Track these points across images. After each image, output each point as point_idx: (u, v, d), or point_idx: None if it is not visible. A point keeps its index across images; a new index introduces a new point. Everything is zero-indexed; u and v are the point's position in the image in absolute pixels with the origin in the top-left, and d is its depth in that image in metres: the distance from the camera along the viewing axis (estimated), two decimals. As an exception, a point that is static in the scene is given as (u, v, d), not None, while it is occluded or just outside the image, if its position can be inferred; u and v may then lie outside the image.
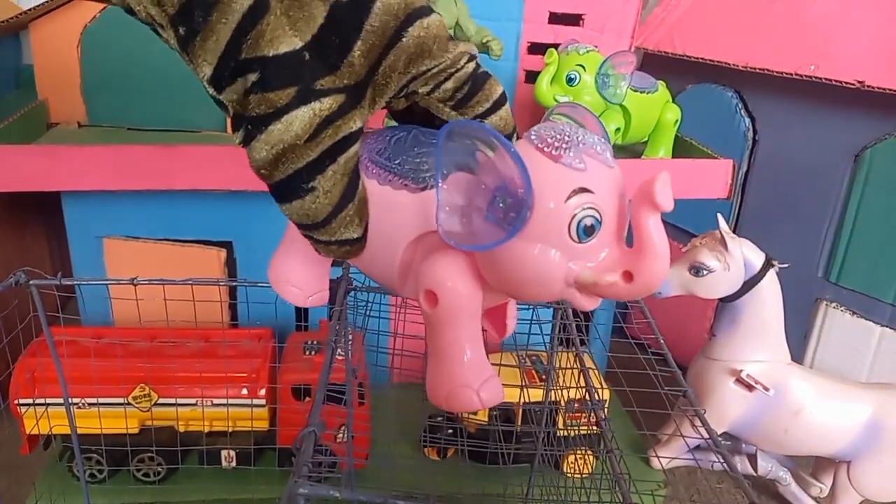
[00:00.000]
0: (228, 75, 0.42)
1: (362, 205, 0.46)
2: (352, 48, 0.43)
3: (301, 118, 0.42)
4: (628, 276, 0.38)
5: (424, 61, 0.46)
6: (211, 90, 0.43)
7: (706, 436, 0.55)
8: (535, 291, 0.41)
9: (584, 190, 0.39)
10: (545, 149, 0.40)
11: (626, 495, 0.47)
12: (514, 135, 0.51)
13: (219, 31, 0.40)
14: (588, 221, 0.38)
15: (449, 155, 0.41)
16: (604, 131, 0.44)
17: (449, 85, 0.47)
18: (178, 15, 0.40)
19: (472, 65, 0.48)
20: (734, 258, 1.02)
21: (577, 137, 0.40)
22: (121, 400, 0.95)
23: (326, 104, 0.43)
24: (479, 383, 0.44)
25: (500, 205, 0.39)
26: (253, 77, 0.41)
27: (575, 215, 0.38)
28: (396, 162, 0.46)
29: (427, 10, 0.46)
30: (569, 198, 0.39)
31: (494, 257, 0.41)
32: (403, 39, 0.44)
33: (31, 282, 0.70)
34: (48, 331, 0.78)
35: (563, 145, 0.39)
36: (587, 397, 0.63)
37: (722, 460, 0.54)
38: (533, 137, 0.41)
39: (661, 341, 0.68)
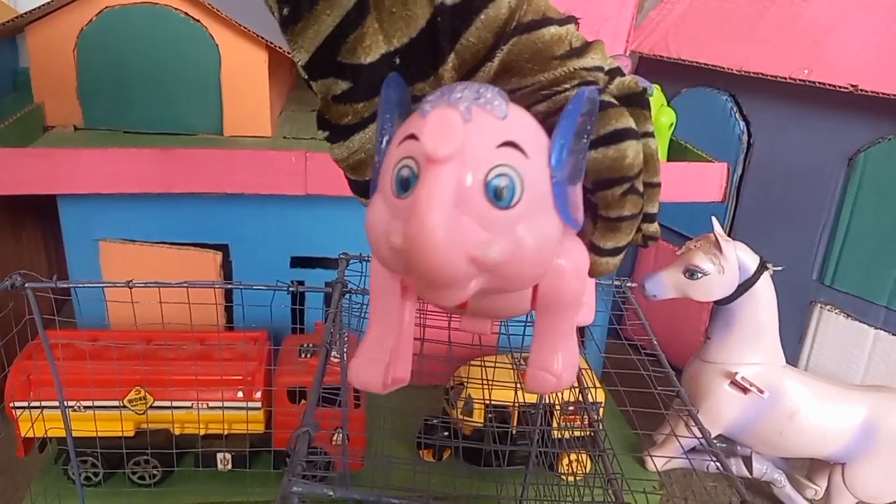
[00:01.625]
0: (321, 71, 0.41)
1: None
2: (445, 59, 0.41)
3: None
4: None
5: (511, 79, 0.42)
6: (304, 74, 0.42)
7: (699, 436, 0.55)
8: (377, 254, 0.36)
9: (411, 137, 0.34)
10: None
11: (619, 495, 0.47)
12: (633, 177, 0.43)
13: (322, 21, 0.39)
14: (404, 172, 0.34)
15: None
16: (576, 106, 0.37)
17: (541, 108, 0.42)
18: None
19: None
20: (729, 261, 1.03)
21: (455, 89, 0.35)
22: (116, 403, 0.96)
23: None
24: (361, 359, 0.42)
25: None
26: (344, 86, 0.40)
27: (397, 164, 0.34)
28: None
29: (539, 24, 0.41)
30: (399, 144, 0.35)
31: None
32: (494, 59, 0.41)
33: (26, 284, 0.71)
34: (44, 334, 0.78)
35: (436, 95, 0.35)
36: (580, 398, 0.63)
37: (715, 460, 0.54)
38: None
39: (655, 342, 0.69)
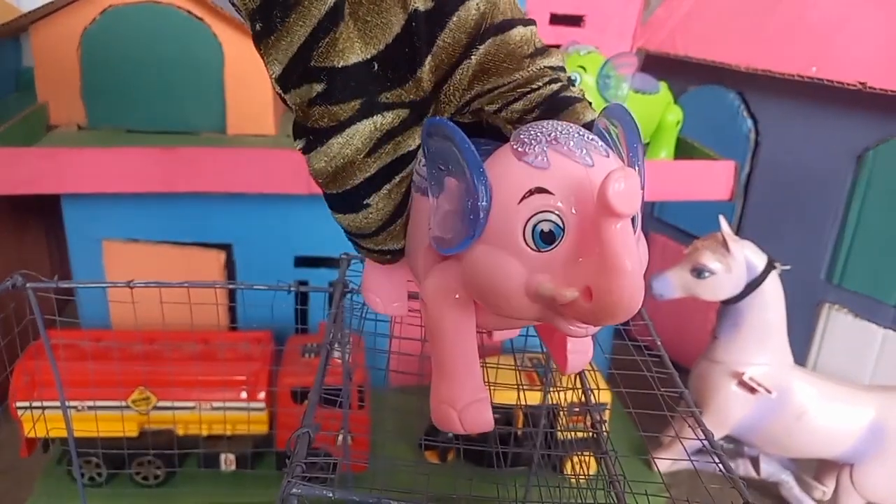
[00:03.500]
0: (296, 79, 0.41)
1: (408, 219, 0.45)
2: (423, 63, 0.41)
3: (362, 132, 0.41)
4: (588, 293, 0.33)
5: (490, 79, 0.43)
6: (278, 88, 0.42)
7: (702, 437, 0.55)
8: (498, 302, 0.37)
9: (540, 190, 0.34)
10: (514, 146, 0.36)
11: (621, 497, 0.47)
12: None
13: (294, 32, 0.40)
14: (545, 227, 0.34)
15: (434, 158, 0.38)
16: (634, 133, 0.39)
17: (518, 106, 0.43)
18: (258, 10, 0.40)
19: (552, 87, 0.44)
20: (736, 260, 1.02)
21: (552, 133, 0.35)
22: (120, 403, 0.95)
23: (389, 118, 0.42)
24: (462, 404, 0.41)
25: (468, 207, 0.36)
26: (319, 88, 0.41)
27: (529, 219, 0.34)
28: (423, 166, 0.42)
29: (508, 25, 0.43)
30: (522, 199, 0.35)
31: (465, 264, 0.38)
32: (472, 57, 0.42)
33: (27, 284, 0.70)
34: (45, 334, 0.78)
35: (532, 141, 0.35)
36: (583, 399, 0.63)
37: (717, 461, 0.53)
38: (513, 135, 0.37)
39: (658, 343, 0.68)
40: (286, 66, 0.41)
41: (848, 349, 1.23)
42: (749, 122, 1.30)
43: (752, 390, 1.04)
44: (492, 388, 0.92)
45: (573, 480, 0.96)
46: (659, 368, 0.63)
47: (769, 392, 1.03)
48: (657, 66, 1.41)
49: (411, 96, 0.42)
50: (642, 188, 0.37)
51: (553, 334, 0.47)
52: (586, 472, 0.94)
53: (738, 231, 1.36)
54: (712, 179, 1.17)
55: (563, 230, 0.34)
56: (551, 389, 0.81)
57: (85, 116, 1.21)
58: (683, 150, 1.26)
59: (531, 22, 0.45)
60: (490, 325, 0.43)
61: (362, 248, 0.48)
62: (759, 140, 1.30)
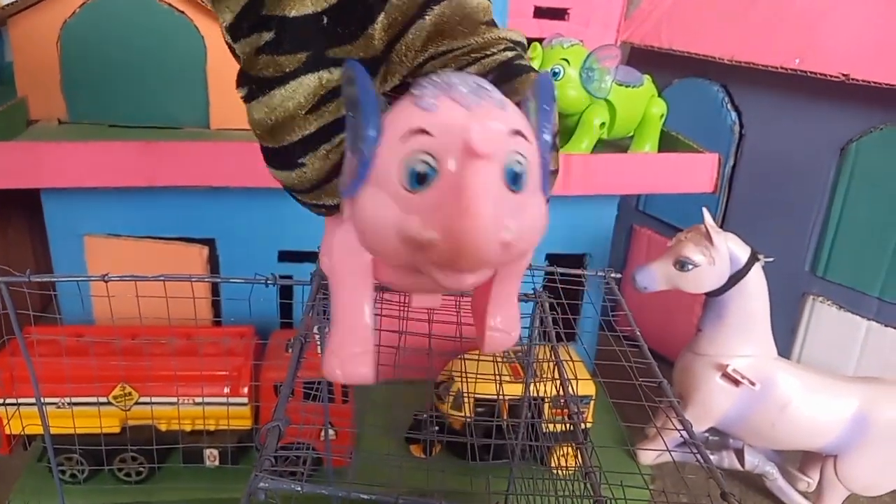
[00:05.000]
0: (247, 28, 0.41)
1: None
2: (375, 19, 0.41)
3: (306, 86, 0.41)
4: (446, 236, 0.33)
5: (444, 41, 0.42)
6: (227, 37, 0.42)
7: (680, 428, 0.55)
8: (376, 245, 0.37)
9: (421, 132, 0.34)
10: (413, 90, 0.36)
11: (596, 488, 0.47)
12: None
13: None
14: (419, 167, 0.34)
15: (347, 105, 0.38)
16: (547, 100, 0.38)
17: (472, 70, 0.43)
18: None
19: (507, 54, 0.44)
20: (719, 252, 1.02)
21: (450, 81, 0.35)
22: (101, 399, 0.94)
23: (336, 75, 0.41)
24: (344, 355, 0.41)
25: (359, 147, 0.36)
26: (267, 36, 0.40)
27: (405, 159, 0.34)
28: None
29: None
30: (403, 138, 0.35)
31: (356, 209, 0.37)
32: (426, 17, 0.42)
33: (0, 279, 0.69)
34: (18, 329, 0.77)
35: (428, 86, 0.35)
36: (561, 391, 0.62)
37: (696, 452, 0.53)
38: (415, 82, 0.37)
39: (638, 332, 0.68)
40: (238, 14, 0.41)
41: (832, 341, 1.24)
42: (733, 115, 1.30)
43: (737, 382, 1.04)
44: (475, 380, 0.92)
45: (560, 472, 0.96)
46: (638, 359, 0.63)
47: (753, 384, 1.03)
48: (642, 59, 1.41)
49: (361, 53, 0.41)
50: (548, 156, 0.38)
51: (477, 309, 0.46)
52: (568, 465, 0.94)
53: (723, 223, 1.36)
54: (696, 172, 1.17)
55: (437, 172, 0.34)
56: (533, 381, 0.80)
57: (66, 111, 1.20)
58: (667, 142, 1.26)
59: None
60: (393, 282, 0.42)
61: (299, 200, 0.47)
62: (743, 132, 1.30)
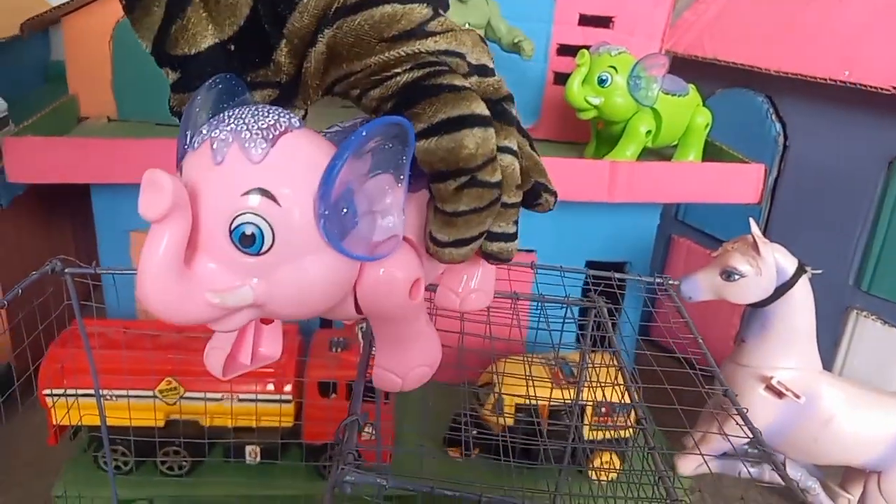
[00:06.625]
0: (161, 61, 0.41)
1: None
2: (277, 45, 0.40)
3: None
4: None
5: (342, 65, 0.40)
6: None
7: (748, 435, 0.54)
8: None
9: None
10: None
11: (672, 492, 0.46)
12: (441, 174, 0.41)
13: (153, 13, 0.39)
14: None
15: None
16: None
17: (375, 93, 0.41)
18: None
19: (414, 73, 0.40)
20: (766, 263, 1.01)
21: (229, 118, 0.36)
22: (148, 392, 0.95)
23: (257, 96, 0.41)
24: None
25: None
26: (174, 76, 0.41)
27: None
28: None
29: (367, 4, 0.40)
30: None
31: None
32: (318, 42, 0.40)
33: (66, 269, 0.70)
34: (81, 320, 0.78)
35: (212, 123, 0.37)
36: (623, 398, 0.62)
37: (749, 463, 0.53)
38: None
39: (700, 341, 0.67)
40: (153, 48, 0.41)
41: (875, 356, 1.22)
42: (777, 126, 1.29)
43: (780, 395, 1.03)
44: (520, 385, 0.92)
45: (602, 476, 0.96)
46: (703, 367, 0.63)
47: (798, 397, 1.02)
48: (685, 68, 1.40)
49: (278, 78, 0.41)
50: (351, 202, 0.37)
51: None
52: (616, 472, 0.94)
53: (765, 235, 1.35)
54: (741, 182, 1.17)
55: None
56: (585, 387, 0.80)
57: (115, 109, 1.22)
58: (711, 153, 1.26)
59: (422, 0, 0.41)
60: None
61: None
62: (787, 144, 1.29)
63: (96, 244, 1.16)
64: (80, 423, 0.94)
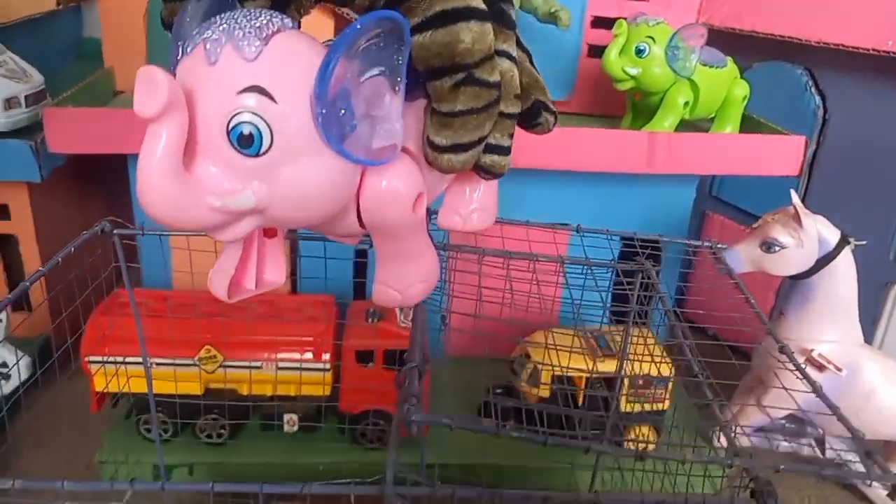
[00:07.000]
0: None
1: None
2: None
3: None
4: None
5: None
6: None
7: (808, 389, 0.53)
8: None
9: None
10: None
11: (733, 441, 0.46)
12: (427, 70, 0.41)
13: None
14: None
15: None
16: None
17: None
18: None
19: None
20: (808, 234, 1.00)
21: (220, 20, 0.36)
22: (187, 361, 0.96)
23: (249, 6, 0.41)
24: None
25: None
26: None
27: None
28: None
29: None
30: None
31: None
32: None
33: (115, 231, 0.71)
34: (129, 282, 0.79)
35: (206, 25, 0.37)
36: (663, 371, 0.61)
37: (787, 439, 0.52)
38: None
39: (752, 301, 0.66)
40: None
41: (916, 332, 1.20)
42: (817, 99, 1.27)
43: (821, 368, 1.02)
44: (557, 356, 0.92)
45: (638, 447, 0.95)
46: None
47: (839, 370, 1.01)
48: (721, 41, 1.37)
49: None
50: (349, 102, 0.36)
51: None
52: (653, 446, 0.93)
53: (802, 210, 1.33)
54: (781, 155, 1.15)
55: None
56: (628, 360, 0.80)
57: (151, 82, 1.22)
58: (749, 125, 1.24)
59: None
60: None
61: None
62: (826, 117, 1.27)
63: (130, 219, 1.16)
64: (124, 391, 0.94)
